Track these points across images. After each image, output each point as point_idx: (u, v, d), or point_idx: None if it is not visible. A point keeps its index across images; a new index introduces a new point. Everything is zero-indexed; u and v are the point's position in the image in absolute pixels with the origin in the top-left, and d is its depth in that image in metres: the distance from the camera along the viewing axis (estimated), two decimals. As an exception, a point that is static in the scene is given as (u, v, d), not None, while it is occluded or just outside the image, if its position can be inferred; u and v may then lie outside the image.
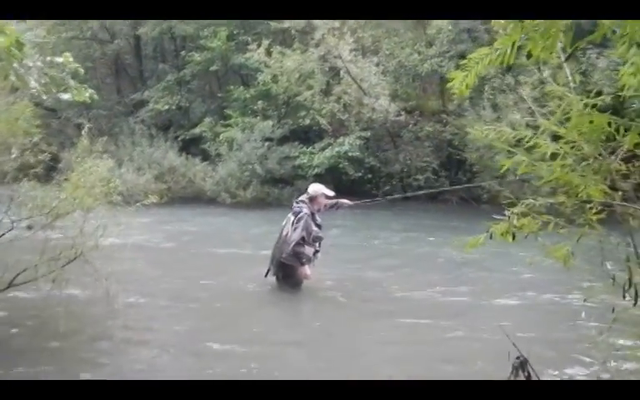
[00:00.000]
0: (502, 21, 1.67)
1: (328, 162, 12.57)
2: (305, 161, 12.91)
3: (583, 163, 1.52)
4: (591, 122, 1.40)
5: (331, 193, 5.73)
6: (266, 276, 5.69)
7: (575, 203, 1.50)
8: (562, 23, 1.42)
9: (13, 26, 4.03)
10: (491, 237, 1.53)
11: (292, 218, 5.52)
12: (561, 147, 1.55)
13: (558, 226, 1.50)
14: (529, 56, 1.44)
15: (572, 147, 1.69)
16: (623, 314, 1.73)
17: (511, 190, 9.20)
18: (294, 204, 5.69)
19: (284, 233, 5.55)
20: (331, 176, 12.79)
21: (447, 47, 12.56)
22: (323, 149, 12.95)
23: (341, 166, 12.76)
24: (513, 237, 1.51)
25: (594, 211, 1.54)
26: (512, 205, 1.66)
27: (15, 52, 4.01)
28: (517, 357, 1.69)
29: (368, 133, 13.23)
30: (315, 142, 13.65)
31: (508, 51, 1.43)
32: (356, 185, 13.25)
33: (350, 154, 12.63)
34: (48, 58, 5.02)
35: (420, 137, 13.55)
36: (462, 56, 10.20)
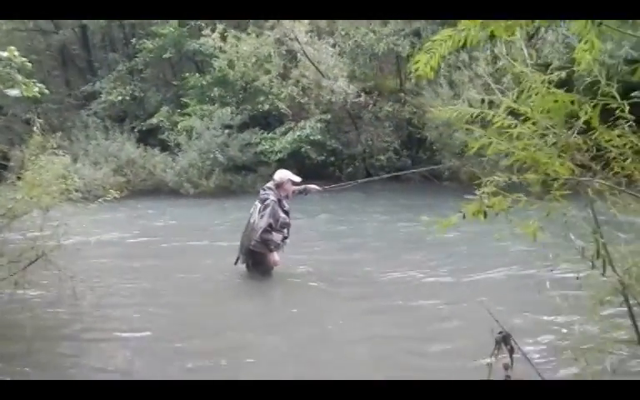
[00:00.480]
0: None
1: (290, 147, 12.55)
2: (267, 147, 12.83)
3: (550, 143, 1.59)
4: (556, 101, 1.47)
5: (297, 179, 5.74)
6: (235, 264, 5.66)
7: (543, 180, 1.57)
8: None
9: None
10: (464, 217, 1.58)
11: (259, 205, 5.50)
12: (527, 127, 1.61)
13: (529, 203, 1.57)
14: (492, 36, 1.49)
15: (534, 124, 1.76)
16: (589, 281, 1.83)
17: (470, 165, 9.44)
18: (261, 191, 5.67)
19: (252, 221, 5.53)
20: (294, 160, 12.78)
21: (402, 25, 12.67)
22: (284, 134, 12.91)
23: (303, 150, 12.76)
24: (485, 216, 1.57)
25: (558, 186, 1.62)
26: (483, 184, 1.71)
27: (-44, 49, 3.82)
28: (500, 332, 1.76)
29: (329, 116, 13.25)
30: (275, 128, 13.58)
31: (472, 32, 1.47)
32: (319, 168, 13.30)
33: (311, 138, 12.63)
34: (-7, 53, 4.79)
35: (380, 117, 13.69)
36: (417, 34, 10.29)
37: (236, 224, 6.53)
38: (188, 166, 12.56)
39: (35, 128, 5.10)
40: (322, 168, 13.44)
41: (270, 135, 13.19)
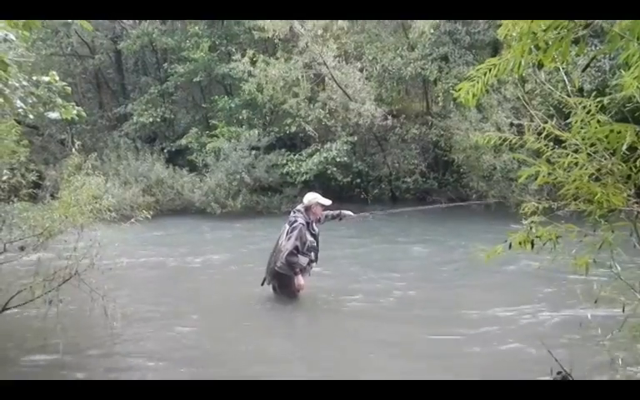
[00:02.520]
0: (505, 29, 1.71)
1: (317, 169, 12.59)
2: (293, 168, 12.92)
3: (596, 171, 1.55)
4: (612, 131, 1.44)
5: (327, 202, 5.69)
6: (262, 285, 5.66)
7: (594, 210, 1.53)
8: (573, 28, 1.46)
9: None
10: (510, 247, 1.54)
11: (288, 228, 5.51)
12: (581, 158, 1.58)
13: (581, 234, 1.53)
14: (540, 65, 1.48)
15: (577, 152, 1.73)
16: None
17: (499, 189, 9.31)
18: (291, 214, 5.68)
19: (279, 242, 5.53)
20: (319, 182, 12.83)
21: (429, 49, 12.71)
22: (311, 155, 12.98)
23: (329, 171, 12.80)
24: (532, 246, 1.53)
25: (604, 214, 1.58)
26: (523, 209, 1.68)
27: (0, 74, 3.96)
28: (559, 372, 1.70)
29: (355, 138, 13.30)
30: (301, 149, 13.68)
31: (523, 62, 1.46)
32: (345, 190, 13.31)
33: (338, 159, 12.67)
34: (35, 78, 4.97)
35: (406, 139, 13.68)
36: (445, 58, 10.32)
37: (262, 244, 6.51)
38: (216, 186, 12.71)
39: (73, 150, 5.26)
40: (348, 190, 13.44)
41: (296, 156, 13.29)
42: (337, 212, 5.90)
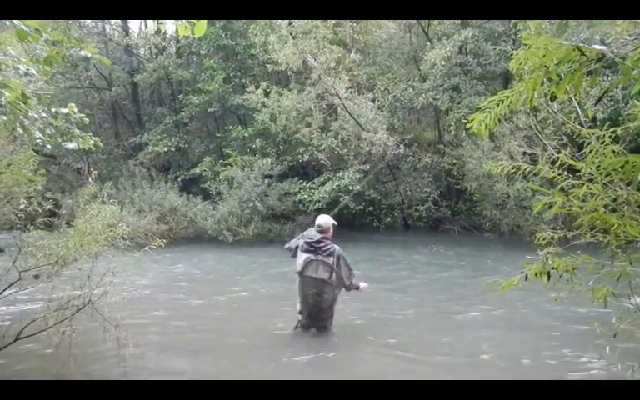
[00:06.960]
0: (517, 62, 1.72)
1: (329, 197, 12.61)
2: (306, 196, 12.96)
3: (614, 201, 1.54)
4: (627, 161, 1.43)
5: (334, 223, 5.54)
6: (296, 328, 5.39)
7: (612, 241, 1.51)
8: (586, 61, 1.46)
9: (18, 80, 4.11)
10: (526, 278, 1.52)
11: (332, 260, 5.14)
12: (596, 189, 1.57)
13: (598, 265, 1.51)
14: (553, 98, 1.48)
15: (592, 181, 1.72)
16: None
17: (513, 218, 9.19)
18: (309, 245, 5.25)
19: (319, 277, 5.17)
20: (332, 209, 12.79)
21: (441, 81, 12.81)
22: (323, 183, 13.03)
23: (342, 199, 12.80)
24: (548, 277, 1.51)
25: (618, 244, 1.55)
26: (538, 239, 1.66)
27: (21, 106, 4.08)
28: None
29: (367, 166, 13.34)
30: (314, 177, 13.74)
31: (535, 94, 1.47)
32: (357, 218, 13.31)
33: (350, 187, 12.68)
34: (54, 110, 5.10)
35: (419, 168, 13.71)
36: (456, 88, 10.37)
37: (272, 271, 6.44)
38: (228, 214, 12.79)
39: (89, 178, 5.34)
40: (360, 218, 13.43)
41: (309, 184, 13.35)
42: None
